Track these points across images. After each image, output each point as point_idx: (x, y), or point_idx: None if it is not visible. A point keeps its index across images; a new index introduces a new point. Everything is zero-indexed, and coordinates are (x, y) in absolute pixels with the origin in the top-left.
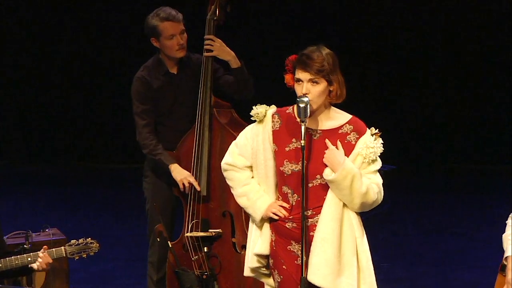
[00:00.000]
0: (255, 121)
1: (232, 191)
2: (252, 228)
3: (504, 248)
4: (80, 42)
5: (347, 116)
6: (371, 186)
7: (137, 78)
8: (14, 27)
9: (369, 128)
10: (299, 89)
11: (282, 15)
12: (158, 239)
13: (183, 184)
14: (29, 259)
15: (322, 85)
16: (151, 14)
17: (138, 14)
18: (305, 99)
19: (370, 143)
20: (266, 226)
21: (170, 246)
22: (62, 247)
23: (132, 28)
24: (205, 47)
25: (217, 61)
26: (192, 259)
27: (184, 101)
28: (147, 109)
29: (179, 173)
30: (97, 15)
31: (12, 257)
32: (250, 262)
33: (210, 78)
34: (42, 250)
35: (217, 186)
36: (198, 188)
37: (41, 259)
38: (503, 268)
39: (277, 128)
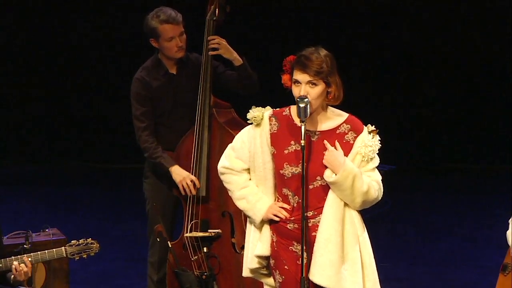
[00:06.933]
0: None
1: (230, 194)
2: (251, 230)
3: (510, 245)
4: (81, 41)
5: (343, 116)
6: (372, 184)
7: (136, 79)
8: (12, 25)
9: (365, 126)
10: (296, 90)
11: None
12: (157, 239)
13: (183, 187)
14: (15, 262)
15: (320, 86)
16: (150, 14)
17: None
18: (305, 99)
19: (368, 142)
20: (266, 227)
21: (170, 246)
22: (63, 248)
23: (133, 28)
24: (211, 45)
25: (217, 59)
26: (192, 259)
27: (183, 101)
28: (146, 111)
29: (178, 175)
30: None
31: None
32: (250, 263)
33: (210, 79)
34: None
35: (216, 186)
36: (198, 185)
37: (16, 271)
38: (504, 268)
39: (275, 131)
